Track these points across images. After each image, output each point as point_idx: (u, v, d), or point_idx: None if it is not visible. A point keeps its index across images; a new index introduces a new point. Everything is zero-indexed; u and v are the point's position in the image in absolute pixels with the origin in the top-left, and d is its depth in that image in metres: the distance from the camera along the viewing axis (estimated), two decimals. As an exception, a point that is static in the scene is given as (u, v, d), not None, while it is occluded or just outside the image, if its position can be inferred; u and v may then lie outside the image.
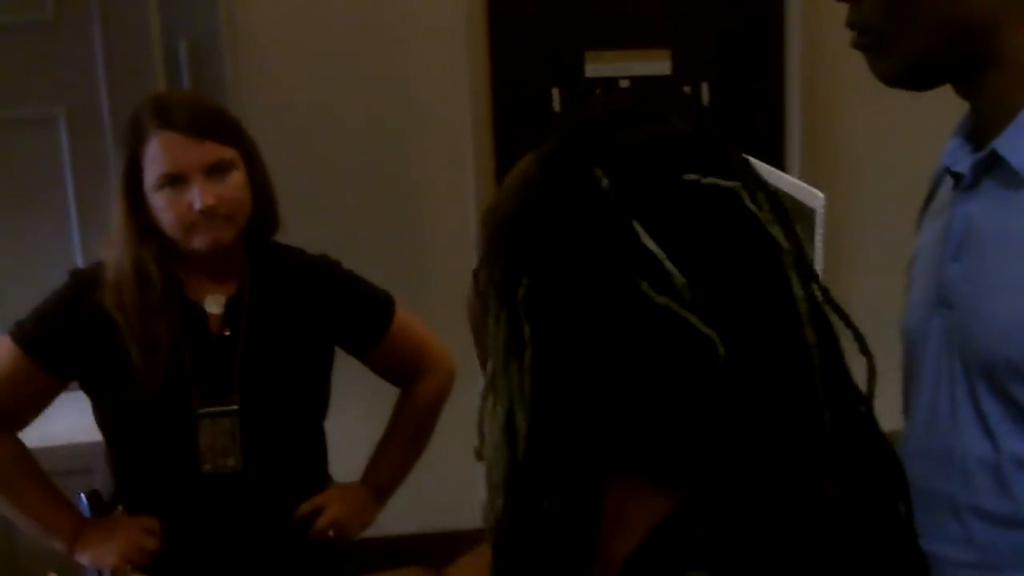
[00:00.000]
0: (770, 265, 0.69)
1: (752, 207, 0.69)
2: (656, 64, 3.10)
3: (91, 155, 2.59)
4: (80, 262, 2.48)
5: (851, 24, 1.10)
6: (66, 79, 2.60)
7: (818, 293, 0.70)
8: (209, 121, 1.74)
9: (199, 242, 1.73)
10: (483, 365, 0.79)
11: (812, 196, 1.53)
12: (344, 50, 2.95)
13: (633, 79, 3.08)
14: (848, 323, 0.72)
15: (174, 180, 1.70)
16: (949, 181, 1.13)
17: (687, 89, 3.11)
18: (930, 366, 1.11)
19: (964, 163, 1.09)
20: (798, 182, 1.63)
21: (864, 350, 0.73)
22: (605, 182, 0.68)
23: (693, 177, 0.68)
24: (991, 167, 1.05)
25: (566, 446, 0.67)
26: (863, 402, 0.71)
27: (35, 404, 1.81)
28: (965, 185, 1.08)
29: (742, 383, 0.66)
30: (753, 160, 0.77)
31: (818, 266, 1.41)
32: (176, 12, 2.72)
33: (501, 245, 0.72)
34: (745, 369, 0.66)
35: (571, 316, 0.67)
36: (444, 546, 1.10)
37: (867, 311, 0.76)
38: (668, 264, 0.66)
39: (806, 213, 1.52)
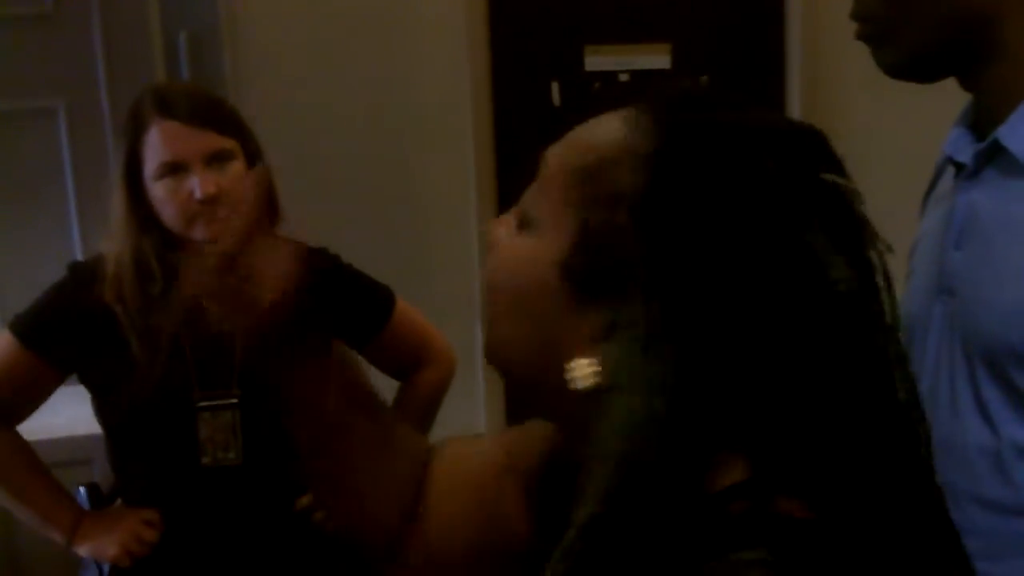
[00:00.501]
0: (876, 267, 0.70)
1: (863, 211, 0.69)
2: (656, 58, 3.10)
3: (91, 148, 2.59)
4: (80, 255, 2.48)
5: (855, 16, 1.10)
6: (65, 72, 2.60)
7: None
8: (209, 111, 1.74)
9: (200, 234, 1.72)
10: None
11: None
12: (344, 43, 2.95)
13: (633, 73, 3.08)
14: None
15: (174, 169, 1.70)
16: (951, 170, 1.14)
17: (687, 83, 3.11)
18: (931, 353, 1.11)
19: (966, 152, 1.09)
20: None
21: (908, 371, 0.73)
22: (772, 166, 0.66)
23: (831, 177, 0.68)
24: (993, 156, 1.06)
25: (705, 429, 0.65)
26: (922, 418, 0.72)
27: (34, 397, 1.81)
28: (967, 174, 1.09)
29: (856, 375, 0.67)
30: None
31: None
32: (175, 4, 2.72)
33: (635, 223, 0.67)
34: (860, 363, 0.67)
35: (730, 303, 0.65)
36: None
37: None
38: (835, 258, 0.66)
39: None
